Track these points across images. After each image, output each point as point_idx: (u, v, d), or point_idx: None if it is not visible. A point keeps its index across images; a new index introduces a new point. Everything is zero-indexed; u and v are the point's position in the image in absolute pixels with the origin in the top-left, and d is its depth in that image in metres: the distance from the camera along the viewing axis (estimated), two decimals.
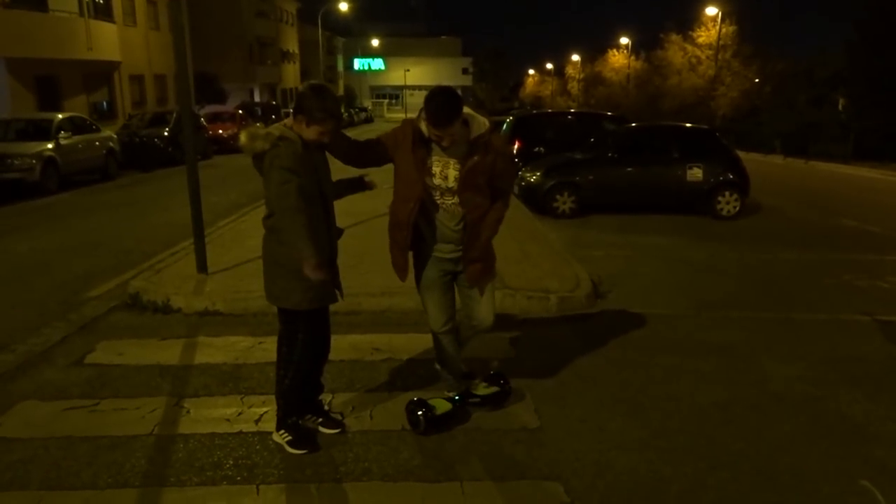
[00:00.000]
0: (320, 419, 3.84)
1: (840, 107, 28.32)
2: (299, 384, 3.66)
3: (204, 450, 3.63)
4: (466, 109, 3.53)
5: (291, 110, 3.53)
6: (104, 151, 16.59)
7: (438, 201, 3.65)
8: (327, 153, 3.59)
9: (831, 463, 3.58)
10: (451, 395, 4.05)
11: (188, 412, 4.08)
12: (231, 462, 3.51)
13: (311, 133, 3.36)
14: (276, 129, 3.42)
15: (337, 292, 3.68)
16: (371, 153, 3.75)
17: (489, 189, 3.68)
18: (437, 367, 4.18)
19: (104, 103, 26.30)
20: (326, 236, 3.51)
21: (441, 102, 3.39)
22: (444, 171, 3.59)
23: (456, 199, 3.62)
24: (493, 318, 3.92)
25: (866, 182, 18.44)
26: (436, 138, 3.48)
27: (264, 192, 3.44)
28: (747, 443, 3.77)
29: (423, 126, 3.53)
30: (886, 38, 23.33)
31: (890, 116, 22.90)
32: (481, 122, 3.59)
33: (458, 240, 3.71)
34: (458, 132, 3.48)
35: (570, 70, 65.70)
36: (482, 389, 4.10)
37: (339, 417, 3.93)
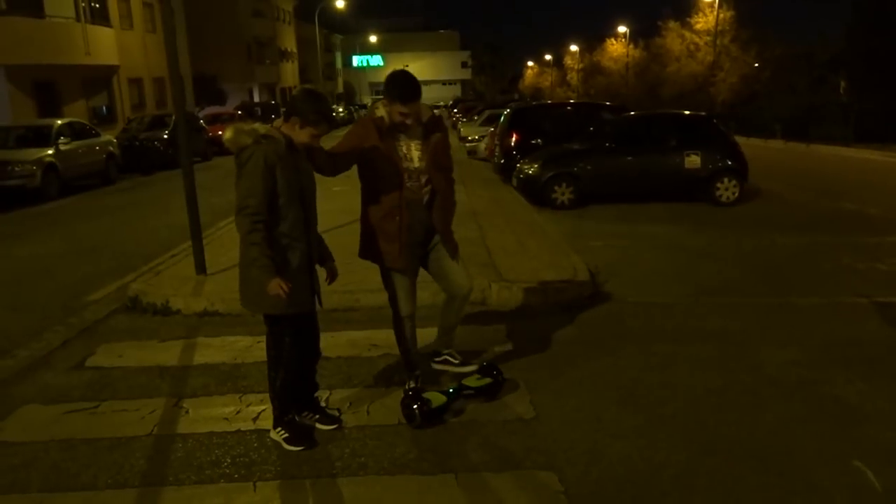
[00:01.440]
0: (317, 416, 3.87)
1: (841, 89, 28.18)
2: (291, 383, 3.69)
3: (202, 448, 3.67)
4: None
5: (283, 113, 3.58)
6: (104, 156, 16.67)
7: (406, 184, 3.84)
8: None
9: (825, 445, 3.60)
10: (446, 388, 4.09)
11: (187, 412, 4.12)
12: (229, 460, 3.55)
13: (303, 135, 3.42)
14: (261, 127, 3.46)
15: (315, 299, 3.70)
16: (341, 160, 3.89)
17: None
18: (433, 363, 4.32)
19: (103, 107, 26.38)
20: (304, 240, 3.53)
21: (408, 79, 3.73)
22: (409, 153, 3.87)
23: (422, 181, 3.89)
24: (471, 284, 4.21)
25: (867, 164, 18.38)
26: (400, 118, 3.73)
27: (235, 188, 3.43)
28: (741, 427, 3.79)
29: (384, 113, 3.78)
30: (884, 18, 23.23)
31: (890, 97, 22.79)
32: (426, 107, 3.92)
33: (425, 220, 3.95)
34: (417, 112, 3.77)
35: (568, 61, 65.54)
36: (475, 381, 4.15)
37: (336, 413, 3.96)
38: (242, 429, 3.88)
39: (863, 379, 4.38)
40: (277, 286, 3.32)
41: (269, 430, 3.78)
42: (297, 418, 3.79)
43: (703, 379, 4.42)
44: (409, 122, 3.75)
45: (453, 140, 27.91)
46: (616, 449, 3.58)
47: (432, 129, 3.89)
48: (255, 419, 3.98)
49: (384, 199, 3.84)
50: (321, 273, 3.81)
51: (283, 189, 3.37)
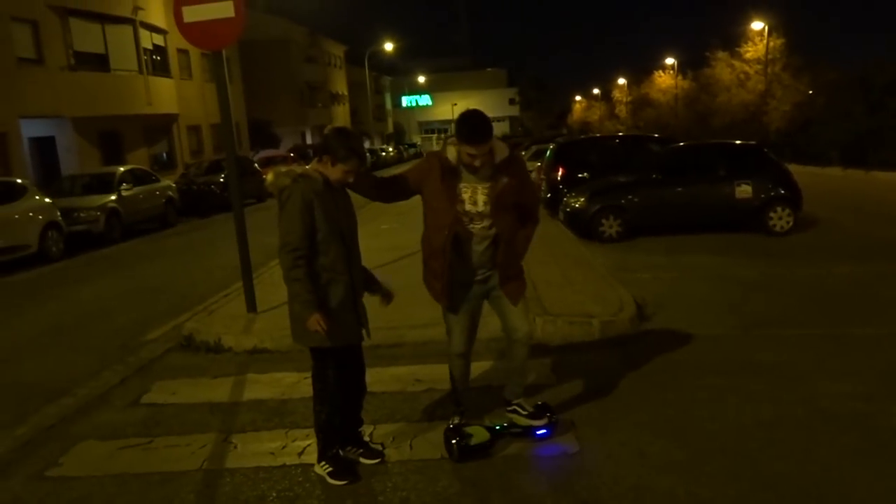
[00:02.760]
0: (360, 450, 3.92)
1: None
2: (335, 418, 3.75)
3: (249, 483, 3.75)
4: (493, 140, 3.69)
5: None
6: (164, 200, 17.34)
7: (468, 227, 3.78)
8: (351, 191, 3.75)
9: (882, 483, 3.45)
10: (493, 424, 4.06)
11: (235, 447, 4.22)
12: (274, 494, 3.61)
13: (336, 172, 3.53)
14: (298, 167, 3.63)
15: (364, 331, 3.78)
16: (396, 188, 3.95)
17: (517, 209, 3.86)
18: (506, 412, 4.22)
19: (164, 154, 27.49)
20: (347, 273, 3.62)
21: (478, 121, 3.62)
22: (474, 196, 3.76)
23: (486, 224, 3.77)
24: (529, 325, 4.09)
25: None
26: (468, 159, 3.64)
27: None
28: (793, 463, 3.67)
29: (452, 153, 3.70)
30: None
31: None
32: (503, 147, 3.79)
33: (487, 262, 3.86)
34: (487, 154, 3.66)
35: (616, 94, 65.44)
36: (526, 420, 4.09)
37: (380, 447, 4.00)
38: (288, 463, 3.95)
39: None
40: (316, 322, 3.43)
41: (313, 465, 3.84)
42: (340, 453, 3.84)
43: (753, 412, 4.30)
44: (476, 163, 3.64)
45: None
46: (662, 484, 3.50)
47: (504, 170, 3.74)
48: (300, 454, 4.05)
49: (434, 237, 3.82)
50: (372, 304, 3.88)
51: (322, 224, 3.49)
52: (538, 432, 4.03)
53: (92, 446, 4.37)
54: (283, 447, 4.15)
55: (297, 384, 5.19)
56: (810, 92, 34.29)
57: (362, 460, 3.87)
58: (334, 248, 3.55)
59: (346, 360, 3.73)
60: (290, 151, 30.89)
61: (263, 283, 8.04)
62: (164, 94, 26.09)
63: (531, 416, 4.10)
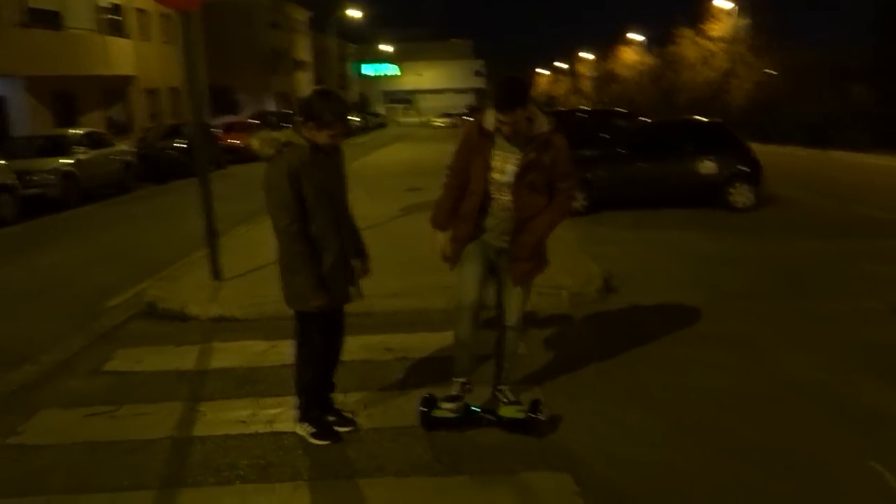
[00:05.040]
0: (332, 417, 3.90)
1: (857, 96, 27.94)
2: (318, 380, 3.76)
3: (220, 451, 3.70)
4: (532, 108, 3.59)
5: (300, 118, 3.60)
6: (122, 165, 16.86)
7: (495, 195, 3.69)
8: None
9: (847, 448, 3.57)
10: (472, 405, 3.93)
11: (204, 415, 4.15)
12: (246, 462, 3.57)
13: (322, 137, 3.45)
14: (283, 134, 3.53)
15: (353, 290, 3.74)
16: (463, 183, 3.77)
17: (548, 190, 3.71)
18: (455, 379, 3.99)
19: (120, 117, 26.67)
20: (337, 238, 3.58)
21: (508, 87, 3.51)
22: (504, 165, 3.65)
23: (510, 196, 3.65)
24: (519, 317, 3.91)
25: (884, 170, 18.20)
26: (499, 124, 3.54)
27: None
28: (761, 431, 3.76)
29: (489, 118, 3.61)
30: None
31: None
32: (543, 121, 3.64)
33: (507, 229, 3.72)
34: (521, 122, 3.54)
35: (582, 68, 65.50)
36: (509, 412, 3.87)
37: (351, 415, 3.98)
38: (259, 431, 3.90)
39: (882, 383, 4.34)
40: (320, 299, 3.51)
41: (285, 433, 3.82)
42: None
43: (722, 383, 4.40)
44: (505, 131, 3.53)
45: None
46: (633, 451, 3.56)
47: (537, 145, 3.58)
48: (271, 422, 4.01)
49: (467, 201, 3.73)
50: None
51: (310, 192, 3.43)
52: (513, 428, 3.80)
53: (56, 414, 4.26)
54: (254, 415, 4.10)
55: (265, 353, 5.13)
56: (773, 72, 34.79)
57: (334, 428, 3.85)
58: (322, 215, 3.50)
59: (330, 322, 3.70)
60: (253, 118, 30.23)
61: (227, 251, 7.87)
62: (122, 55, 25.23)
63: (512, 404, 3.94)
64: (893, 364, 4.66)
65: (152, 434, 3.92)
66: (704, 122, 12.98)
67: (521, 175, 3.61)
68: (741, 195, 11.15)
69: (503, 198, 3.67)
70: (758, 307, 5.99)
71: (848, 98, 27.48)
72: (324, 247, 3.55)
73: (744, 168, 11.25)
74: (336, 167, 3.65)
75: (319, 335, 3.67)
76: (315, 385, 3.77)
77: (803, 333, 5.31)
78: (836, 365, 4.65)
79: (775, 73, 34.02)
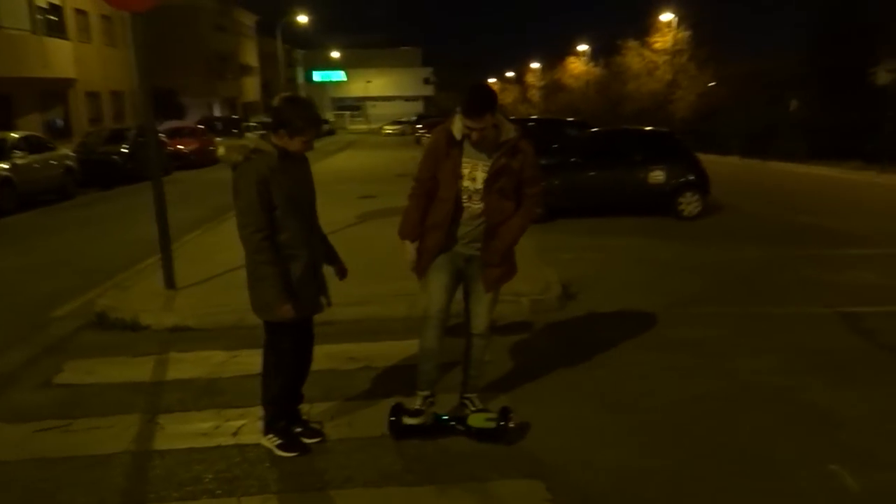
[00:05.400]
0: (299, 429, 3.82)
1: (792, 107, 29.03)
2: (286, 391, 3.69)
3: (182, 465, 3.58)
4: (498, 115, 3.59)
5: (267, 125, 3.54)
6: (62, 170, 16.24)
7: (465, 204, 3.68)
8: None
9: (804, 449, 3.68)
10: (441, 414, 3.91)
11: (164, 428, 4.02)
12: (211, 476, 3.47)
13: (295, 144, 3.41)
14: (251, 141, 3.47)
15: (323, 300, 3.69)
16: (430, 191, 3.75)
17: (516, 196, 3.74)
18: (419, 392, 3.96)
19: (58, 121, 25.77)
20: (306, 248, 3.52)
21: (477, 93, 3.54)
22: (473, 172, 3.65)
23: (481, 203, 3.66)
24: (487, 325, 3.93)
25: (821, 179, 18.94)
26: (467, 131, 3.54)
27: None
28: (724, 433, 3.85)
29: (457, 125, 3.60)
30: (837, 36, 24.04)
31: (842, 114, 23.54)
32: (510, 128, 3.67)
33: (478, 237, 3.73)
34: (489, 129, 3.55)
35: (530, 78, 66.34)
36: (477, 421, 3.83)
37: (318, 426, 3.91)
38: (223, 444, 3.80)
39: (835, 385, 4.49)
40: (287, 311, 3.40)
41: (250, 445, 3.73)
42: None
43: (683, 387, 4.49)
44: (474, 137, 3.53)
45: (417, 154, 27.96)
46: (603, 457, 3.60)
47: (505, 152, 3.60)
48: (235, 434, 3.91)
49: (437, 209, 3.70)
50: (330, 272, 3.82)
51: (280, 200, 3.37)
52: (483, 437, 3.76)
53: (2, 429, 4.06)
54: (217, 427, 3.99)
55: (225, 363, 5.01)
56: (713, 84, 35.90)
57: (302, 440, 3.78)
58: (292, 224, 3.44)
59: (300, 332, 3.63)
60: (199, 123, 29.59)
61: (180, 259, 7.68)
62: (61, 57, 24.43)
63: (480, 412, 3.94)
64: (842, 367, 4.83)
65: (109, 448, 3.77)
66: (654, 131, 13.28)
67: (491, 181, 3.62)
68: (690, 204, 11.44)
69: (473, 205, 3.68)
70: (712, 312, 6.14)
71: (784, 109, 28.52)
72: (293, 256, 3.48)
73: (692, 178, 11.54)
74: (305, 174, 3.61)
75: (289, 345, 3.60)
76: (283, 396, 3.69)
77: (757, 338, 5.47)
78: (790, 368, 4.80)
79: (714, 83, 35.13)
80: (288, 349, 3.60)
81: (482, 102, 3.49)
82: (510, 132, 3.65)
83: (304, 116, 3.37)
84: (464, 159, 3.65)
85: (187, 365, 5.00)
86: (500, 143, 3.62)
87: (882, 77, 25.69)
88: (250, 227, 3.35)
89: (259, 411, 3.81)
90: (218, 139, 25.00)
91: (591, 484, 3.35)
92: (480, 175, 3.64)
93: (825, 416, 4.07)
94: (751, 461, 3.56)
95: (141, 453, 3.72)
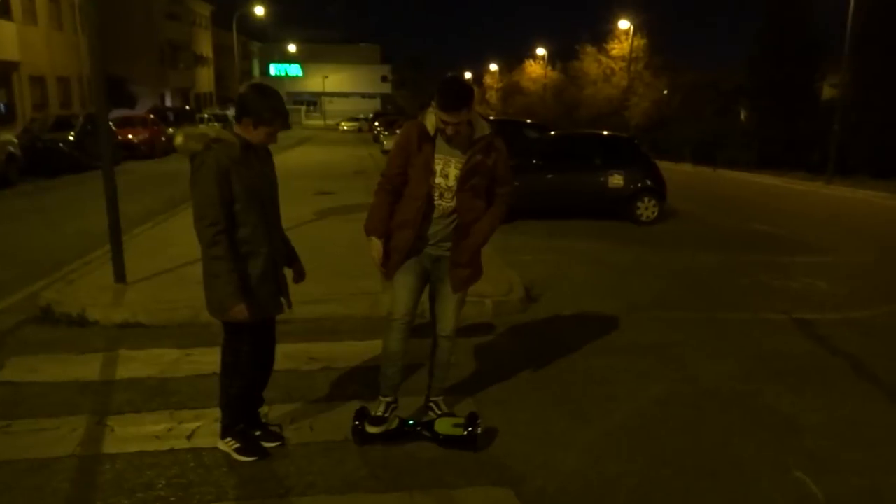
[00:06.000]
0: (258, 432, 3.67)
1: (742, 117, 29.78)
2: (245, 393, 3.53)
3: (133, 470, 3.40)
4: (473, 112, 3.50)
5: (233, 116, 3.37)
6: (3, 157, 15.56)
7: (436, 202, 3.58)
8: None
9: (767, 455, 3.69)
10: (406, 418, 3.82)
11: (113, 430, 3.82)
12: (164, 482, 3.30)
13: (259, 135, 3.25)
14: (211, 129, 3.29)
15: (283, 301, 3.54)
16: (398, 186, 3.64)
17: (487, 195, 3.67)
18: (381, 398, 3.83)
19: (1, 105, 24.75)
20: (267, 246, 3.36)
21: (454, 89, 3.40)
22: (446, 169, 3.55)
23: (453, 201, 3.56)
24: (454, 327, 3.83)
25: (770, 188, 19.45)
26: (442, 125, 3.43)
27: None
28: (688, 439, 3.85)
29: (430, 120, 3.49)
30: (784, 50, 24.77)
31: (789, 126, 24.27)
32: (484, 126, 3.58)
33: (448, 237, 3.64)
34: (463, 124, 3.45)
35: (488, 79, 66.60)
36: (445, 427, 3.72)
37: (278, 430, 3.77)
38: (176, 447, 3.62)
39: (794, 391, 4.55)
40: (239, 312, 3.21)
41: (206, 449, 3.57)
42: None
43: (646, 391, 4.48)
44: (449, 132, 3.42)
45: (374, 151, 27.73)
46: (569, 463, 3.55)
47: (479, 149, 3.52)
48: (189, 437, 3.73)
49: (407, 207, 3.58)
50: (289, 273, 3.65)
51: (240, 194, 3.20)
52: (450, 444, 3.66)
53: None
54: (170, 430, 3.81)
55: (178, 361, 4.81)
56: (665, 91, 36.61)
57: (262, 444, 3.64)
58: (253, 219, 3.27)
59: (260, 333, 3.48)
60: (150, 112, 28.77)
61: (131, 252, 7.38)
62: (4, 39, 23.49)
63: (446, 416, 3.86)
64: (800, 372, 4.90)
65: (54, 452, 3.55)
66: (614, 136, 13.41)
67: (464, 179, 3.54)
68: (647, 209, 11.58)
69: (445, 203, 3.58)
70: (671, 317, 6.18)
71: (734, 118, 29.26)
72: (252, 253, 3.32)
73: (650, 183, 11.68)
74: (267, 168, 3.45)
75: (248, 347, 3.44)
76: (242, 398, 3.53)
77: (716, 343, 5.52)
78: (750, 373, 4.85)
79: (665, 91, 35.84)
80: (247, 351, 3.44)
81: (459, 97, 3.39)
82: (485, 129, 3.57)
83: (271, 107, 3.22)
84: (437, 156, 3.55)
85: (138, 363, 4.78)
86: (474, 140, 3.54)
87: (826, 91, 26.62)
88: (206, 220, 3.17)
89: (215, 413, 3.65)
90: (170, 129, 24.42)
91: (559, 491, 3.30)
92: (453, 172, 3.54)
93: (787, 421, 4.11)
94: (716, 467, 3.56)
95: (88, 457, 3.52)
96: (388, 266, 3.68)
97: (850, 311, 6.55)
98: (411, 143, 3.57)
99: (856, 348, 5.45)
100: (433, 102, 3.46)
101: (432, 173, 3.54)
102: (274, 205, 3.48)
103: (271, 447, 3.61)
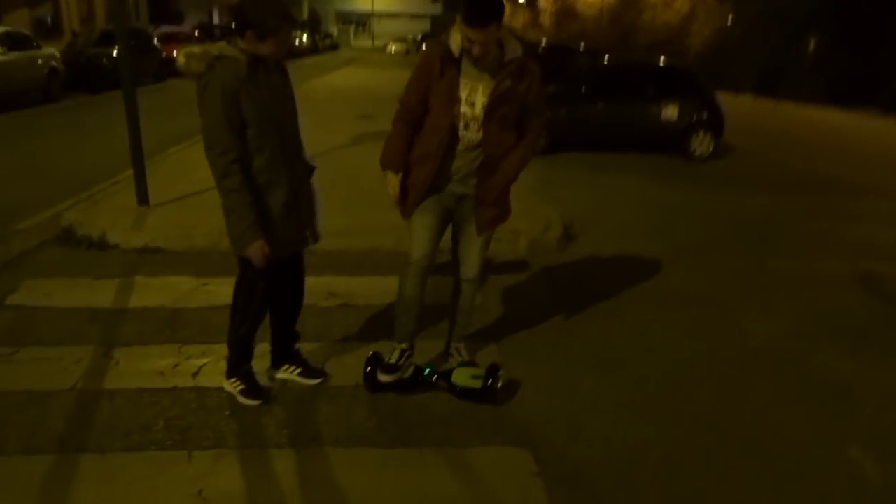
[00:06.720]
0: (299, 369, 3.50)
1: (811, 48, 27.98)
2: (254, 333, 3.30)
3: (131, 408, 3.23)
4: (504, 30, 3.04)
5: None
6: (46, 71, 15.46)
7: (461, 132, 3.18)
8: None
9: (818, 427, 3.34)
10: (423, 367, 3.54)
11: (118, 364, 3.66)
12: (161, 423, 3.12)
13: (267, 47, 2.87)
14: (215, 47, 2.94)
15: (308, 235, 3.25)
16: (419, 117, 3.26)
17: (518, 127, 3.26)
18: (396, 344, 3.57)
19: (48, 18, 24.62)
20: (287, 174, 3.04)
21: None
22: (472, 96, 3.12)
23: (479, 133, 3.16)
24: (478, 270, 3.50)
25: (836, 125, 18.27)
26: (468, 44, 2.99)
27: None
28: (729, 405, 3.51)
29: (455, 39, 3.05)
30: None
31: (860, 58, 22.65)
32: (516, 46, 3.12)
33: (472, 173, 3.27)
34: (492, 43, 3.01)
35: (542, 1, 63.92)
36: (463, 378, 3.43)
37: (320, 367, 3.58)
38: (179, 386, 3.44)
39: (853, 354, 4.14)
40: (259, 249, 2.94)
41: (209, 389, 3.38)
42: (276, 372, 3.51)
43: (685, 348, 4.12)
44: (475, 51, 2.98)
45: None
46: (595, 425, 3.26)
47: (510, 73, 3.08)
48: (195, 374, 3.55)
49: (428, 139, 3.20)
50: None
51: (253, 116, 2.86)
52: (467, 396, 3.41)
53: None
54: (175, 366, 3.63)
55: (193, 291, 4.62)
56: (730, 19, 34.52)
57: (301, 380, 3.47)
58: (270, 145, 2.94)
59: (283, 270, 3.21)
60: (196, 29, 28.38)
61: (158, 173, 7.22)
62: None
63: (467, 365, 3.59)
64: (863, 333, 4.47)
65: (54, 384, 3.41)
66: (670, 67, 12.60)
67: (492, 107, 3.11)
68: (702, 144, 10.89)
69: (470, 135, 3.18)
70: (718, 264, 5.74)
71: (803, 47, 27.48)
72: (271, 182, 3.00)
73: (707, 116, 10.95)
74: (282, 87, 3.08)
75: (263, 284, 3.15)
76: (250, 340, 3.30)
77: (767, 295, 5.09)
78: (804, 331, 4.43)
79: (731, 17, 33.77)
80: (261, 289, 3.16)
81: (488, 8, 2.92)
82: (517, 50, 3.11)
83: (273, 12, 2.81)
84: (463, 80, 3.12)
85: (152, 291, 4.60)
86: (504, 63, 3.09)
87: None
88: (217, 149, 2.87)
89: (224, 350, 3.44)
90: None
91: (582, 457, 3.01)
92: (480, 99, 3.12)
93: (844, 389, 3.72)
94: (759, 439, 3.22)
95: (87, 392, 3.36)
96: (406, 204, 3.34)
97: None
98: (433, 66, 3.14)
99: None
100: (458, 17, 3.01)
101: (457, 101, 3.12)
102: (294, 128, 3.13)
103: (313, 384, 3.46)
